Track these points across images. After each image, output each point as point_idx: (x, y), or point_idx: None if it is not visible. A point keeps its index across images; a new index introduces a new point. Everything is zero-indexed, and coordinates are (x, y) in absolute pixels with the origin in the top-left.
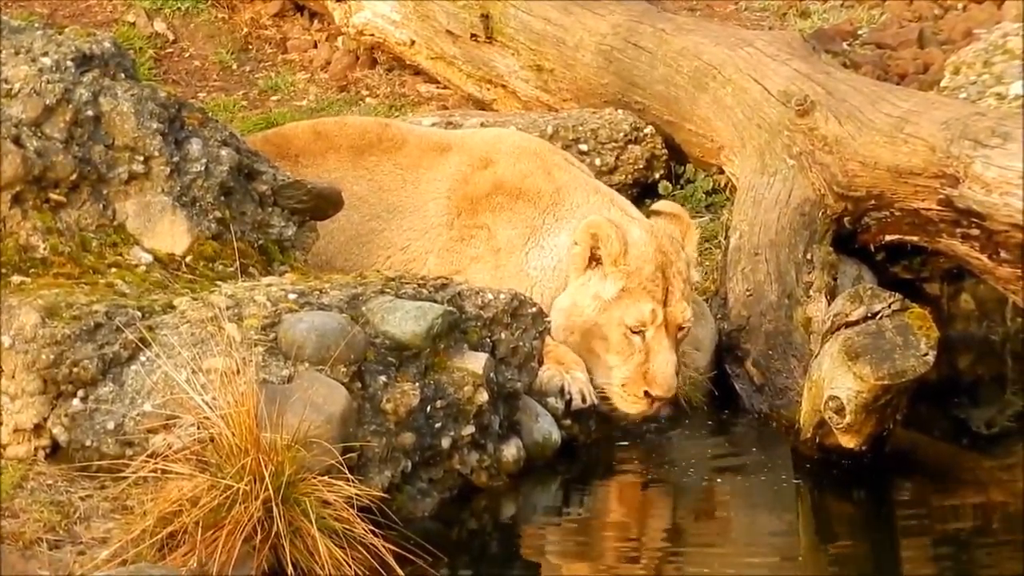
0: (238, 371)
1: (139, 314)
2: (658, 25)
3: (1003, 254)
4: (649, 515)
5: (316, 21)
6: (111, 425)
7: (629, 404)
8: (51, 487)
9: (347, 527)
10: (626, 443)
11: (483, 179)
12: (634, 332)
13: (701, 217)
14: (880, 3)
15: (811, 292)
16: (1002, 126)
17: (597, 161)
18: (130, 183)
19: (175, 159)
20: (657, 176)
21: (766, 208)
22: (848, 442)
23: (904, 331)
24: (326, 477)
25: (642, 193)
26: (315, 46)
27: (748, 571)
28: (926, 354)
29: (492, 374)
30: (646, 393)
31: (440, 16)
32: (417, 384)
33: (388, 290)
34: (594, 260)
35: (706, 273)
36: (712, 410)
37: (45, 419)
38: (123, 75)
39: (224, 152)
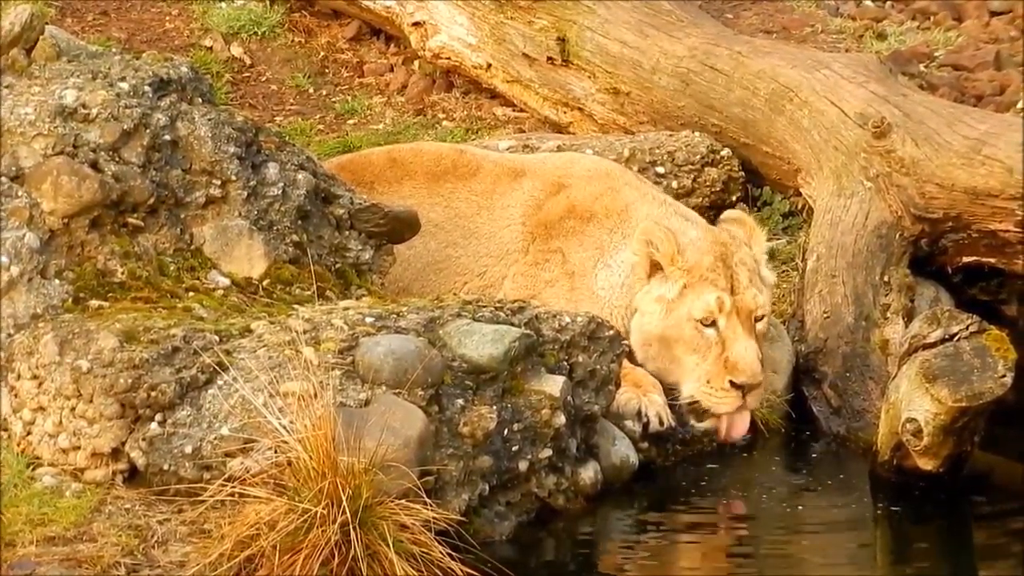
0: (315, 395)
1: (216, 338)
2: (735, 47)
3: None
4: (726, 538)
5: (392, 45)
6: (189, 449)
7: (718, 401)
8: (129, 511)
9: (424, 550)
10: (703, 466)
11: (556, 204)
12: (706, 326)
13: (778, 239)
14: (956, 25)
15: (888, 314)
16: None
17: (674, 184)
18: (207, 207)
19: (252, 183)
20: (734, 199)
21: (843, 230)
22: (926, 464)
23: (982, 353)
24: (403, 500)
25: (719, 216)
26: (391, 70)
27: None
28: (1004, 376)
29: (569, 397)
30: (732, 384)
31: (516, 39)
32: (494, 407)
33: (465, 313)
34: (655, 268)
35: (783, 295)
36: (789, 432)
37: (123, 443)
38: (200, 99)
39: (301, 176)
